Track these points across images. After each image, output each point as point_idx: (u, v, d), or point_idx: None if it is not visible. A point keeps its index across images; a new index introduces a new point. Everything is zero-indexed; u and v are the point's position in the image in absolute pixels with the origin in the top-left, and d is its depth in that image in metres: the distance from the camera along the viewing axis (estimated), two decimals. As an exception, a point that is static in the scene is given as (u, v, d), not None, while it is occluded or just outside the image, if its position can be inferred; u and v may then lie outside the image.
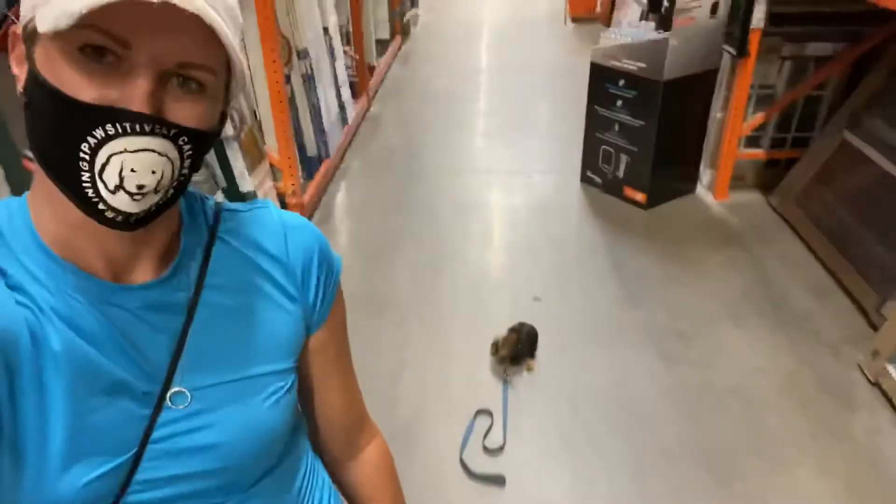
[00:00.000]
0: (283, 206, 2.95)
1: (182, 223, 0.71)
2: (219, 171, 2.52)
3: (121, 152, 0.55)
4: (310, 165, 3.39)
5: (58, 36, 0.54)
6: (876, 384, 2.09)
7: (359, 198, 3.49)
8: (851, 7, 2.84)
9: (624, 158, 3.23)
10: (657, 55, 2.92)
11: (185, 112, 0.58)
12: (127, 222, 0.58)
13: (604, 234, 3.04)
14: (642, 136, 3.11)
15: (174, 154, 0.58)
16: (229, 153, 2.53)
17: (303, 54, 3.30)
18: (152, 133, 0.56)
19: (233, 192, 2.56)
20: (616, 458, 1.90)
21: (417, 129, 4.37)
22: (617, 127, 3.20)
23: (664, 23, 2.91)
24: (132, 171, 0.56)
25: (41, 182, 0.61)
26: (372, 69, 4.89)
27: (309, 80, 3.40)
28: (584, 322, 2.47)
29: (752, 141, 3.29)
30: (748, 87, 3.03)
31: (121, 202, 0.57)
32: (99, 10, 0.51)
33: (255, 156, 2.81)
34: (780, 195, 3.16)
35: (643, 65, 2.98)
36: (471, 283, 2.70)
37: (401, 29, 6.12)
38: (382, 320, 2.47)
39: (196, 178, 2.21)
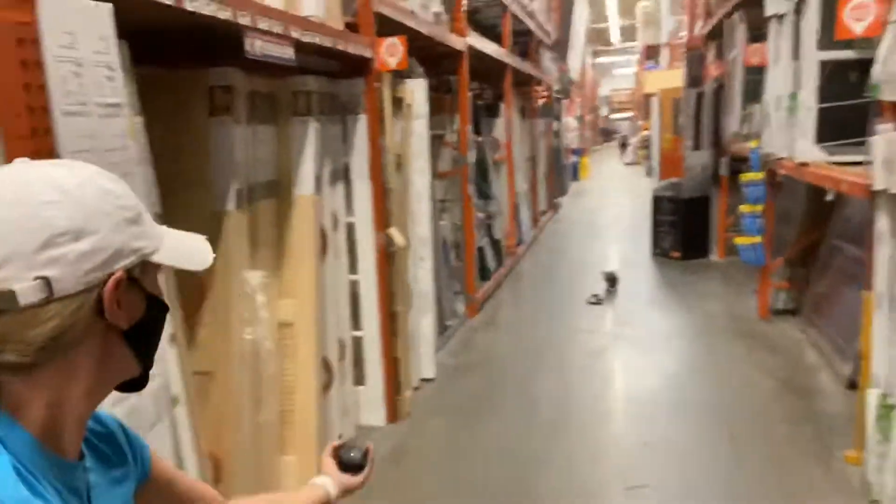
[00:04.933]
0: (508, 250, 6.69)
1: None
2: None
3: None
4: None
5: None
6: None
7: (547, 245, 7.22)
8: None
9: (669, 238, 6.76)
10: (679, 188, 6.60)
11: None
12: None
13: (660, 268, 6.57)
14: (677, 226, 6.67)
15: None
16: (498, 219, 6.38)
17: (518, 196, 7.27)
18: None
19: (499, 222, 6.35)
20: (644, 302, 5.29)
21: (571, 233, 8.28)
22: (665, 223, 6.79)
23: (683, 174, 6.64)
24: None
25: (57, 389, 0.68)
26: (538, 218, 8.87)
27: (518, 207, 7.34)
28: (646, 285, 5.99)
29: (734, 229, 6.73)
30: (726, 202, 6.55)
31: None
32: None
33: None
34: (749, 253, 6.51)
35: (673, 192, 6.66)
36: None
37: (553, 205, 10.22)
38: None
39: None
